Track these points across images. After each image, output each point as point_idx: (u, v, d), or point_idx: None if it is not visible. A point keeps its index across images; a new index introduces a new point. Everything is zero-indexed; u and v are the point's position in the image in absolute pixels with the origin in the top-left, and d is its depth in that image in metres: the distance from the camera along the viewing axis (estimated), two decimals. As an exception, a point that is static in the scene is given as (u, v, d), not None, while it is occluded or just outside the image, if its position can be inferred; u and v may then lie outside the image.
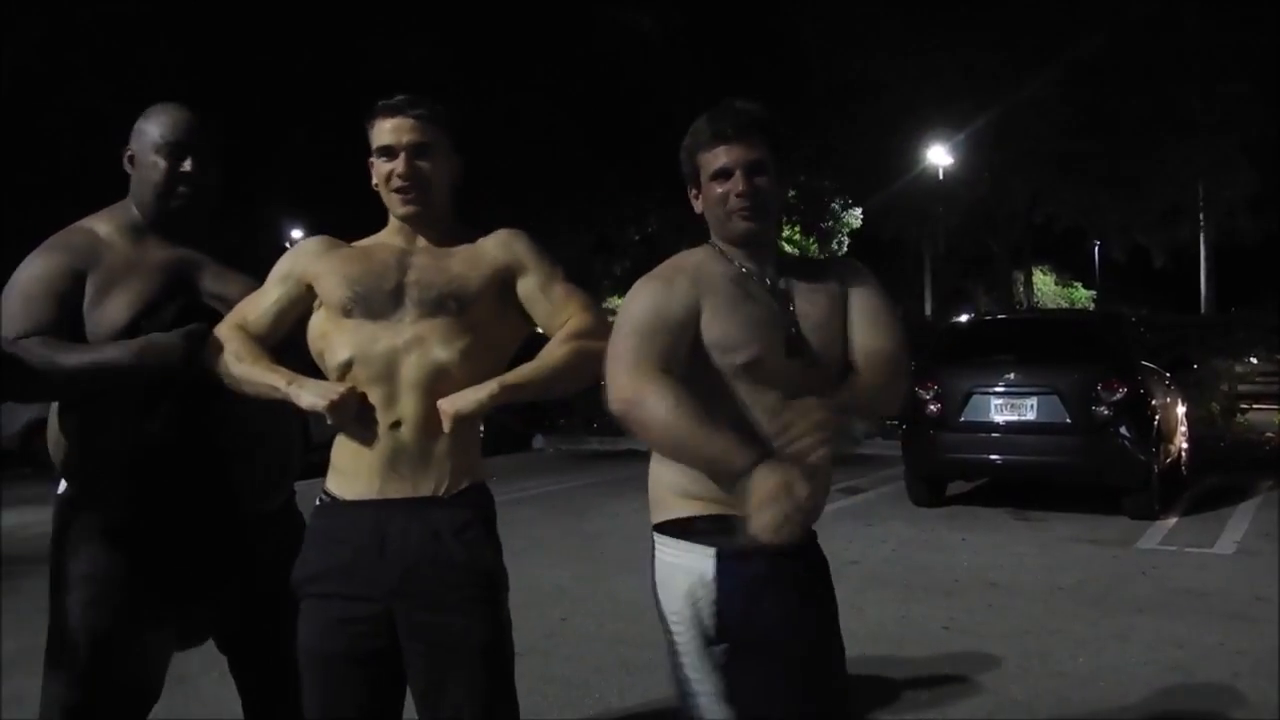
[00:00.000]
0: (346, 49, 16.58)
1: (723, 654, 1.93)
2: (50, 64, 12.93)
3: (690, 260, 2.06)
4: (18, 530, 6.46)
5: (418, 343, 2.07)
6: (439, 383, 2.05)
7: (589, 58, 21.71)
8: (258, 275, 2.31)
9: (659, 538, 2.03)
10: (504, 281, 2.17)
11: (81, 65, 13.06)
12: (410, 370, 2.06)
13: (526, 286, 2.18)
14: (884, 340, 2.06)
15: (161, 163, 2.25)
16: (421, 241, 2.19)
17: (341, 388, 2.04)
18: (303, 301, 2.18)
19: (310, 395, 2.03)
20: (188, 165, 2.25)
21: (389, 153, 2.14)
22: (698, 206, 2.10)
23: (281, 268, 2.22)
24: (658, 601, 2.02)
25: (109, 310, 2.19)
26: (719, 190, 2.03)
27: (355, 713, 2.05)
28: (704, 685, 1.94)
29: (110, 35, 13.43)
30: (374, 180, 2.19)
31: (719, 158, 2.02)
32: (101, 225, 2.30)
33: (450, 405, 2.02)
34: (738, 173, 2.01)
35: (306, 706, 2.07)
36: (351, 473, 2.08)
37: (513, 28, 20.21)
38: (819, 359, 2.03)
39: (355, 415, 2.04)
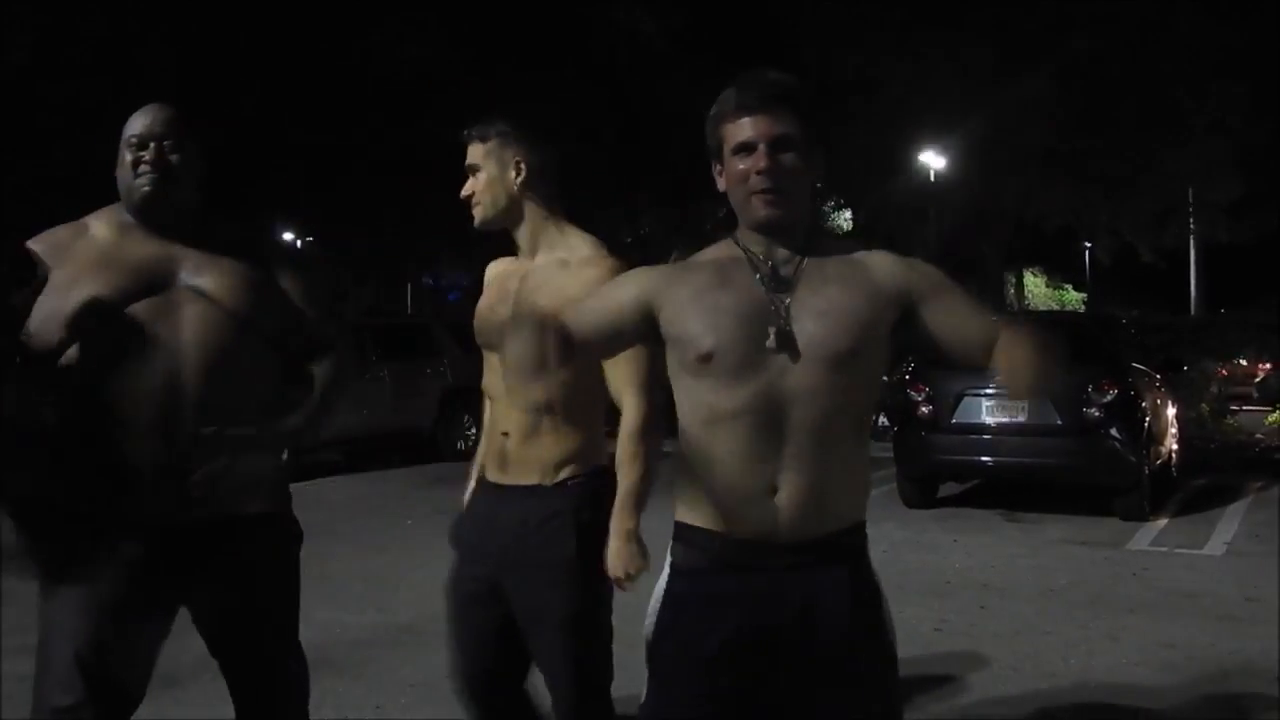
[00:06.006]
0: (346, 49, 16.52)
1: (650, 662, 1.88)
2: (47, 61, 12.89)
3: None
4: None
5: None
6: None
7: (587, 59, 21.70)
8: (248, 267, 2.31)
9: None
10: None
11: (79, 63, 13.03)
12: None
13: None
14: (988, 328, 1.84)
15: (127, 156, 2.31)
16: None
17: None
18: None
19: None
20: (149, 154, 2.29)
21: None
22: (721, 184, 1.90)
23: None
24: None
25: (67, 299, 2.19)
26: (740, 166, 1.83)
27: (475, 642, 2.43)
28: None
29: (109, 33, 13.40)
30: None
31: (743, 130, 1.82)
32: (96, 221, 2.34)
33: None
34: (761, 147, 1.81)
35: (449, 641, 2.47)
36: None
37: (511, 29, 20.20)
38: (817, 350, 1.79)
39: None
